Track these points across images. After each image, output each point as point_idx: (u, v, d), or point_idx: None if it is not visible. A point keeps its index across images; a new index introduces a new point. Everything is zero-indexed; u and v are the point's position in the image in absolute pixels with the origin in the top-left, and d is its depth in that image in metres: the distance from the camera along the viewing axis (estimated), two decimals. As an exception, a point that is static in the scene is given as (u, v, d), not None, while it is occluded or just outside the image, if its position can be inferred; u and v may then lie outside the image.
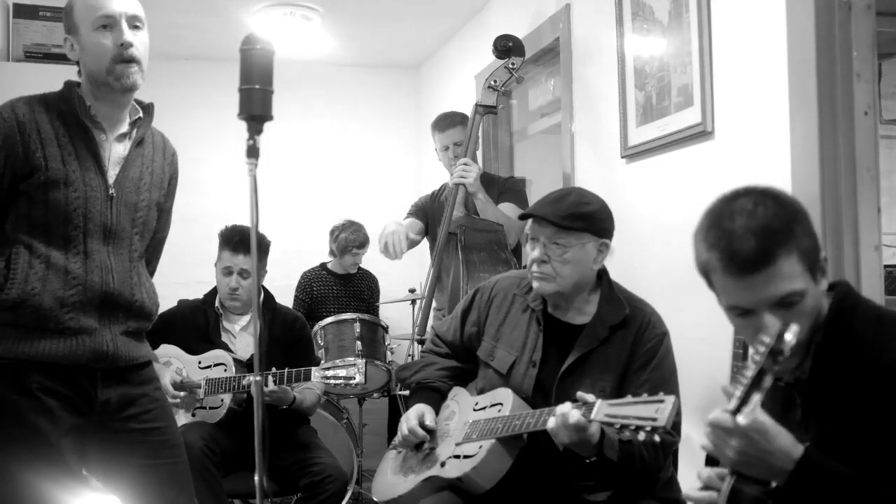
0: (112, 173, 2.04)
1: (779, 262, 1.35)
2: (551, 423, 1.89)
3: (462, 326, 2.41)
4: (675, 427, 2.07)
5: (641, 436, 1.73)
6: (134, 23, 2.02)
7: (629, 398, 1.80)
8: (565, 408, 1.88)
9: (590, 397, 1.86)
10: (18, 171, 1.94)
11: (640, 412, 1.74)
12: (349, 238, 4.73)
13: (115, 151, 2.06)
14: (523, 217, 2.24)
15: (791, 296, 1.36)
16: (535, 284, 2.19)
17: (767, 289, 1.36)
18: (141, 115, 2.11)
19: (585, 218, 2.13)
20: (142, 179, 2.10)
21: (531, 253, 2.17)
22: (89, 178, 1.99)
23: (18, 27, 3.70)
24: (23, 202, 1.96)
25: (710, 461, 1.50)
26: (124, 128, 2.08)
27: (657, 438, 1.72)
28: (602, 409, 1.81)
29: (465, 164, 3.28)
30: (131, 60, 1.98)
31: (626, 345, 2.13)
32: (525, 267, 2.25)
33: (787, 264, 1.35)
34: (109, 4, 1.99)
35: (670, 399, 1.71)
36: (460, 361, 2.44)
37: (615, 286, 2.24)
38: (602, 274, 2.23)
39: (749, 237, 1.36)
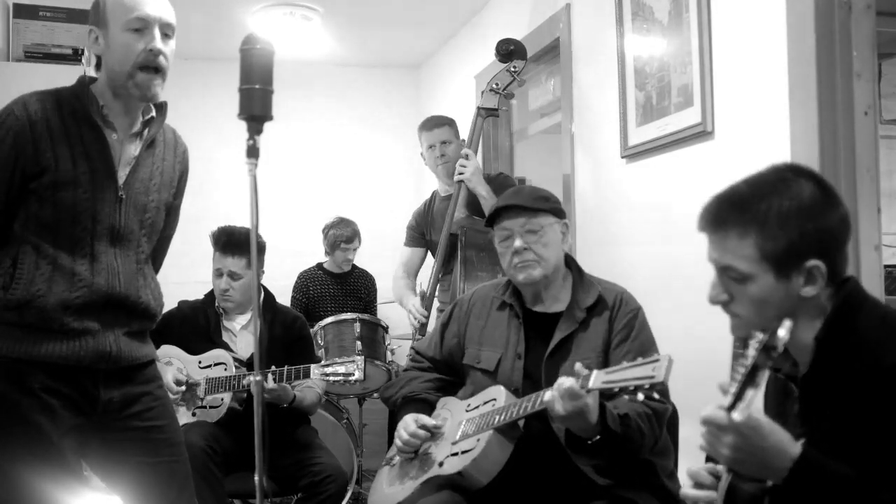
0: (122, 174, 2.01)
1: (727, 234, 1.42)
2: (547, 395, 1.93)
3: (441, 340, 2.44)
4: (664, 394, 2.13)
5: (640, 396, 1.77)
6: (166, 31, 1.97)
7: (624, 364, 1.84)
8: (561, 379, 1.92)
9: (584, 370, 1.90)
10: (28, 170, 1.91)
11: (636, 374, 1.77)
12: (337, 234, 4.77)
13: (126, 152, 2.02)
14: (491, 216, 2.30)
15: (728, 269, 1.43)
16: (520, 276, 2.24)
17: (714, 251, 1.45)
18: (154, 114, 2.07)
19: (547, 199, 2.29)
20: (152, 180, 2.07)
21: (510, 248, 2.23)
22: (99, 180, 1.96)
23: (18, 27, 3.70)
24: (33, 202, 1.93)
25: (711, 460, 1.50)
26: (136, 127, 2.04)
27: (656, 396, 1.79)
28: (599, 378, 1.86)
29: (464, 158, 3.30)
30: (157, 70, 1.94)
31: (603, 323, 2.21)
32: None
33: (734, 241, 1.41)
34: (145, 7, 1.94)
35: (665, 356, 1.75)
36: (443, 375, 2.45)
37: (584, 272, 2.32)
38: (570, 261, 2.33)
39: (720, 200, 1.45)
